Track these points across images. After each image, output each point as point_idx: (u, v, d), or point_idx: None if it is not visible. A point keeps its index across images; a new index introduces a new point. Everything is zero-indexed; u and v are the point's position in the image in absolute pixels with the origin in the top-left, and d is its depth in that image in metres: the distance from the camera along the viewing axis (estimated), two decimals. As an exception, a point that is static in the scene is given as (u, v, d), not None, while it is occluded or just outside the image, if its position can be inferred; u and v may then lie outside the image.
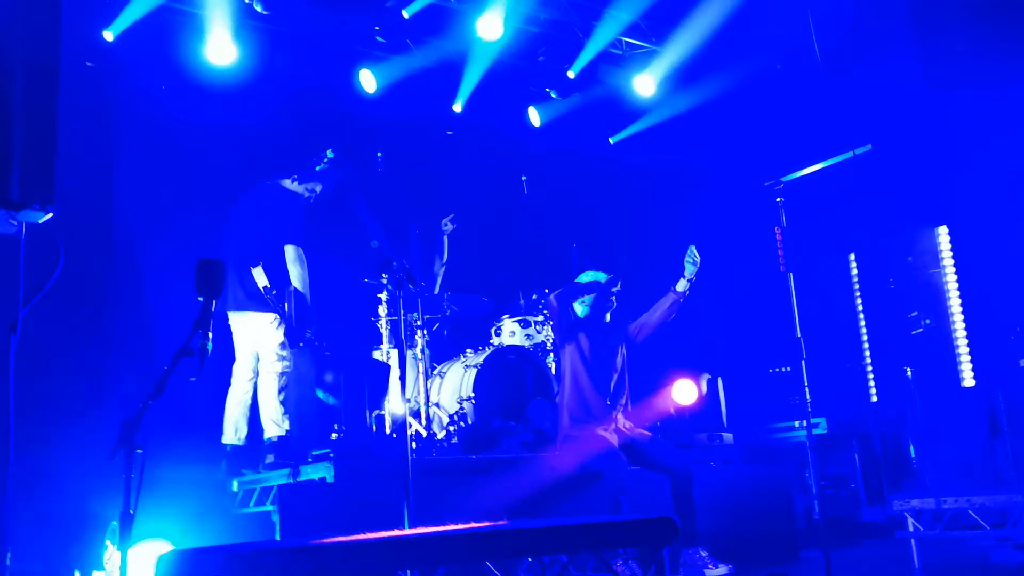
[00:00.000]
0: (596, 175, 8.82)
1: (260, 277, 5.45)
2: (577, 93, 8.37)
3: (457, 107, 8.00)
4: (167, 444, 4.30)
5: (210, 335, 2.73)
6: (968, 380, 6.98)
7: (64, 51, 2.65)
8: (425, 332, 6.54)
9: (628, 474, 4.96)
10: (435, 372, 6.78)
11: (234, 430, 5.56)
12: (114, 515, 2.56)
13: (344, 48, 7.42)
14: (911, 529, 4.85)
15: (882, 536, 6.61)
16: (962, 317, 7.08)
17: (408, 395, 6.28)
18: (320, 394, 6.20)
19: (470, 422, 6.22)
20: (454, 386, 6.49)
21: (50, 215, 2.57)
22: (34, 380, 3.05)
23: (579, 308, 5.38)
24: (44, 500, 4.58)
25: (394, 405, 6.21)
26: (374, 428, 6.21)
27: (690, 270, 5.18)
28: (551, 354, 6.94)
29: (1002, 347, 6.76)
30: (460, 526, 3.23)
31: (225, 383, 5.65)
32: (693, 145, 8.78)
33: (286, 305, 5.48)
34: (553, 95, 8.35)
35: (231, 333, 5.66)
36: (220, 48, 6.66)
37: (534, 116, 8.44)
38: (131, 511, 2.50)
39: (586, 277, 5.42)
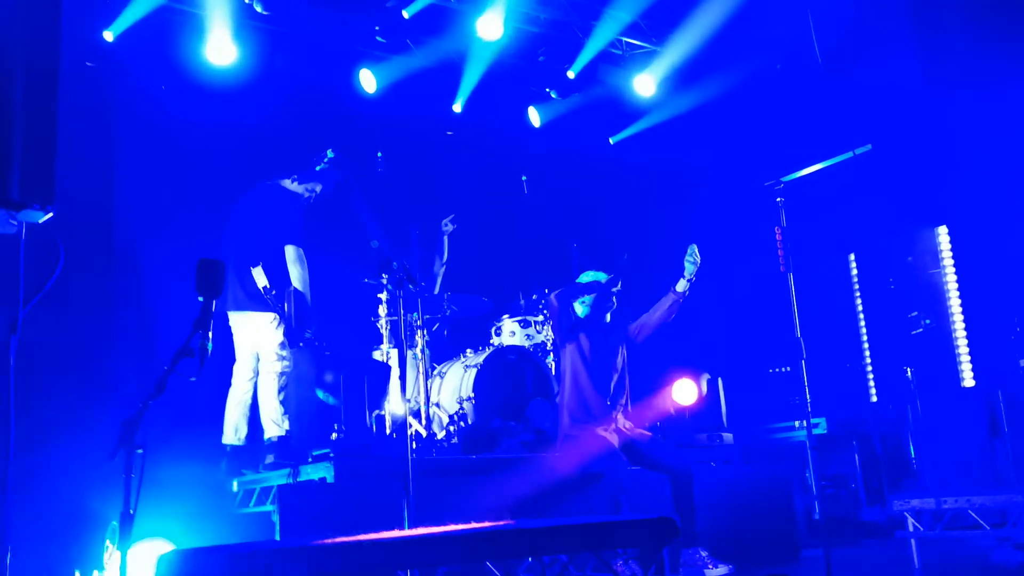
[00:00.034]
0: (596, 175, 8.82)
1: (260, 277, 5.45)
2: (577, 93, 8.37)
3: (457, 107, 8.00)
4: (167, 444, 4.29)
5: (210, 335, 2.73)
6: (968, 380, 6.98)
7: (64, 51, 2.65)
8: (425, 332, 6.54)
9: (628, 474, 4.97)
10: (435, 372, 6.78)
11: (234, 430, 5.56)
12: (114, 515, 2.56)
13: (344, 48, 7.42)
14: (911, 529, 4.85)
15: (882, 536, 6.62)
16: (962, 317, 7.08)
17: (408, 395, 6.28)
18: (320, 394, 6.20)
19: (470, 422, 6.22)
20: (454, 386, 6.49)
21: (50, 215, 2.57)
22: (34, 380, 3.05)
23: (579, 308, 5.38)
24: (44, 500, 4.58)
25: (394, 405, 6.21)
26: (374, 428, 6.21)
27: (690, 269, 5.18)
28: (551, 354, 6.94)
29: (1002, 347, 6.76)
30: (460, 526, 3.23)
31: (225, 383, 5.65)
32: (693, 145, 8.78)
33: (286, 305, 5.48)
34: (553, 95, 8.35)
35: (231, 333, 5.66)
36: (220, 48, 6.66)
37: (534, 116, 8.44)
38: (131, 511, 2.50)
39: (586, 277, 5.42)
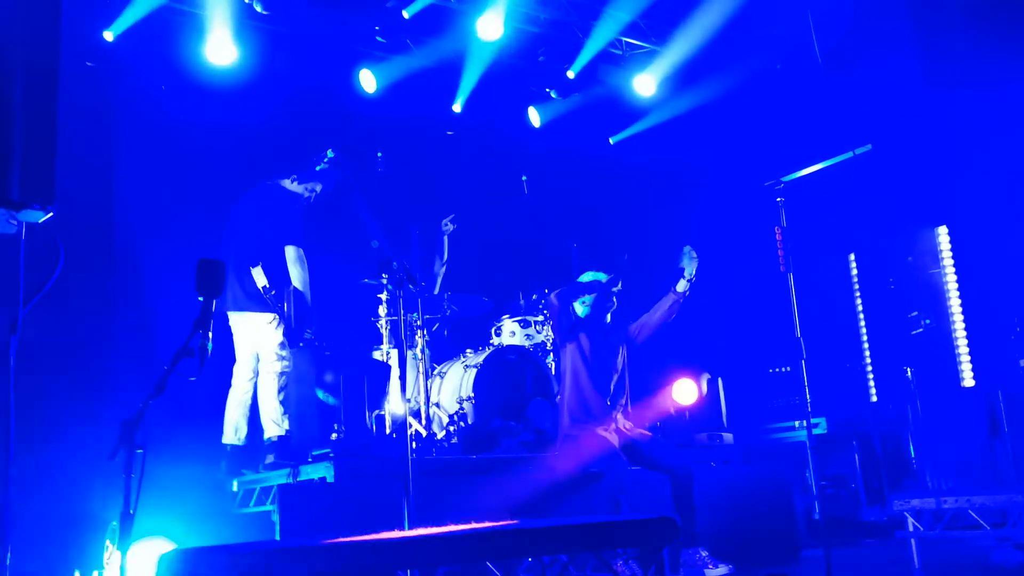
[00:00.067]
0: (596, 175, 8.81)
1: (259, 277, 5.45)
2: (577, 93, 8.37)
3: (457, 107, 8.00)
4: (167, 444, 4.29)
5: (210, 335, 2.73)
6: (968, 380, 6.98)
7: (64, 51, 2.66)
8: (425, 332, 6.54)
9: (628, 474, 4.96)
10: (435, 372, 6.78)
11: (234, 430, 5.56)
12: (114, 515, 2.56)
13: (344, 48, 7.42)
14: (911, 529, 4.85)
15: (882, 536, 6.62)
16: (962, 317, 7.08)
17: (408, 395, 6.28)
18: (320, 394, 6.20)
19: (470, 422, 6.22)
20: (454, 386, 6.49)
21: (50, 215, 2.57)
22: (34, 380, 3.05)
23: (579, 308, 5.38)
24: (44, 500, 4.58)
25: (394, 405, 6.21)
26: (374, 428, 6.21)
27: (690, 269, 5.17)
28: (551, 354, 6.94)
29: (1002, 347, 6.76)
30: (460, 526, 3.23)
31: (225, 383, 5.65)
32: (693, 145, 8.78)
33: (285, 305, 5.48)
34: (553, 95, 8.35)
35: (231, 333, 5.66)
36: (220, 48, 6.66)
37: (534, 116, 8.44)
38: (131, 511, 2.50)
39: (587, 277, 5.42)
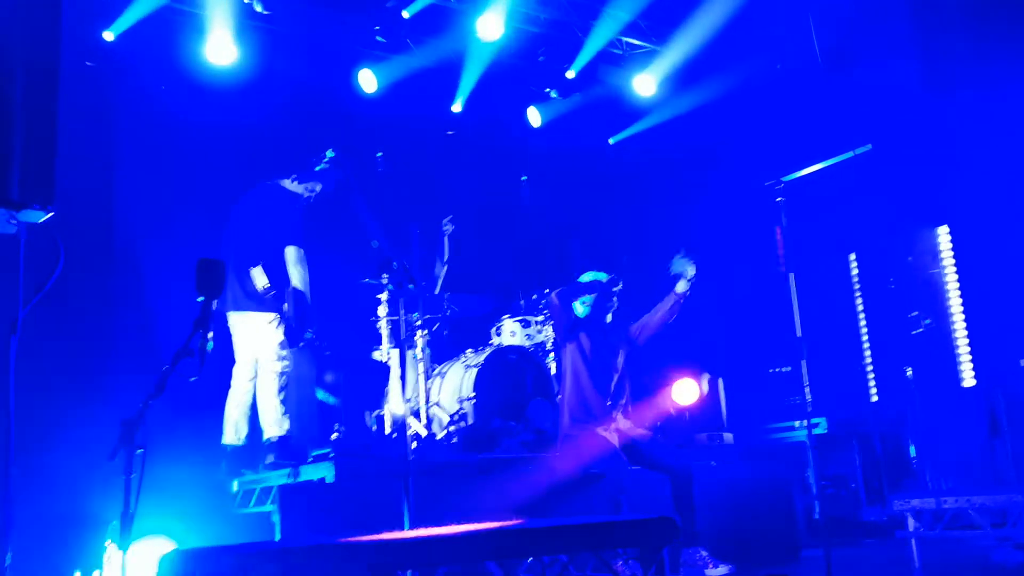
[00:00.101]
0: (596, 175, 8.82)
1: (259, 277, 5.45)
2: (577, 93, 8.37)
3: (457, 107, 8.00)
4: (167, 444, 4.29)
5: (210, 335, 2.73)
6: (968, 380, 6.98)
7: (64, 51, 2.66)
8: (425, 332, 6.54)
9: (628, 474, 4.96)
10: (435, 372, 6.77)
11: (234, 430, 5.55)
12: (114, 515, 2.56)
13: (344, 48, 7.42)
14: (911, 529, 4.85)
15: (882, 536, 6.61)
16: (962, 317, 7.08)
17: (408, 395, 6.28)
18: (320, 394, 6.20)
19: (470, 422, 6.22)
20: (454, 386, 6.49)
21: (50, 215, 2.57)
22: (34, 380, 3.05)
23: (580, 308, 5.37)
24: (44, 500, 4.58)
25: (394, 405, 6.21)
26: (374, 428, 6.21)
27: (686, 273, 5.17)
28: (551, 354, 6.94)
29: (1002, 347, 6.76)
30: (460, 526, 3.23)
31: (225, 383, 5.64)
32: (693, 145, 8.78)
33: (285, 305, 5.47)
34: (553, 95, 8.35)
35: (231, 333, 5.66)
36: (220, 48, 6.66)
37: (534, 116, 8.44)
38: (131, 511, 2.50)
39: (587, 277, 5.42)
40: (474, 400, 6.27)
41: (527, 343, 6.97)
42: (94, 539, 4.25)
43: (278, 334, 5.50)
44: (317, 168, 5.82)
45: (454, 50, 7.60)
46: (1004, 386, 6.58)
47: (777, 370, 8.03)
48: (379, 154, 6.54)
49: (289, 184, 5.78)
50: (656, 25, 8.01)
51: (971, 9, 6.73)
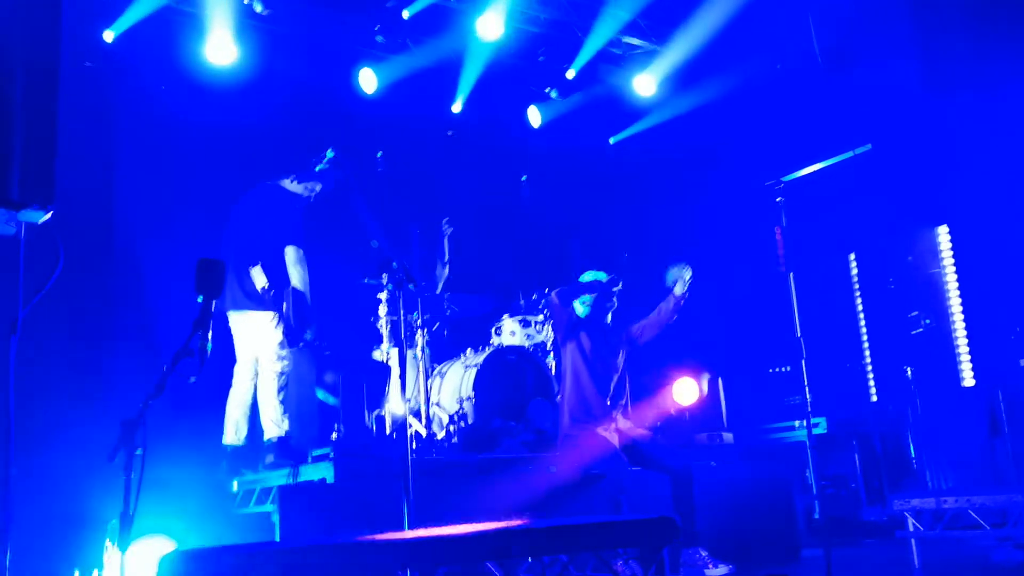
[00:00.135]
0: (596, 175, 8.81)
1: (259, 277, 5.45)
2: (577, 93, 8.36)
3: (457, 107, 8.00)
4: (167, 444, 4.29)
5: (210, 335, 2.73)
6: (968, 380, 6.98)
7: (64, 51, 2.66)
8: (425, 332, 6.53)
9: (628, 474, 4.97)
10: (435, 372, 6.77)
11: (235, 430, 5.55)
12: (114, 515, 2.56)
13: (344, 48, 7.42)
14: (911, 529, 4.85)
15: (882, 536, 6.61)
16: (962, 317, 7.08)
17: (408, 395, 6.28)
18: (320, 394, 6.20)
19: (470, 422, 6.22)
20: (454, 386, 6.49)
21: (50, 215, 2.57)
22: (34, 380, 3.05)
23: (580, 308, 5.38)
24: (44, 500, 4.58)
25: (394, 405, 6.21)
26: (374, 428, 6.21)
27: (681, 283, 5.19)
28: (551, 354, 6.94)
29: (1002, 347, 6.76)
30: (460, 526, 3.23)
31: (225, 383, 5.64)
32: (693, 145, 8.78)
33: (284, 304, 5.47)
34: (553, 95, 8.35)
35: (231, 333, 5.66)
36: (220, 48, 6.66)
37: (534, 116, 8.44)
38: (131, 511, 2.50)
39: (587, 277, 5.42)
40: (474, 400, 6.27)
41: (527, 343, 6.97)
42: (94, 539, 4.25)
43: (277, 334, 5.50)
44: (317, 168, 5.82)
45: (454, 50, 7.60)
46: (1004, 386, 6.58)
47: (777, 370, 8.03)
48: (379, 154, 6.53)
49: (289, 184, 5.78)
50: (656, 25, 8.01)
51: (971, 9, 6.74)
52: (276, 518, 4.50)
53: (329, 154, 5.82)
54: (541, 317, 7.12)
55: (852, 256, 7.94)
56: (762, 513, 5.84)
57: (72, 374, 5.36)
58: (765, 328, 7.63)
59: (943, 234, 7.20)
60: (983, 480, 6.48)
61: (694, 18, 7.59)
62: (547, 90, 8.33)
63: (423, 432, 5.86)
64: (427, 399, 6.33)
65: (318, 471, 4.99)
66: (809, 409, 4.67)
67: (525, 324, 7.11)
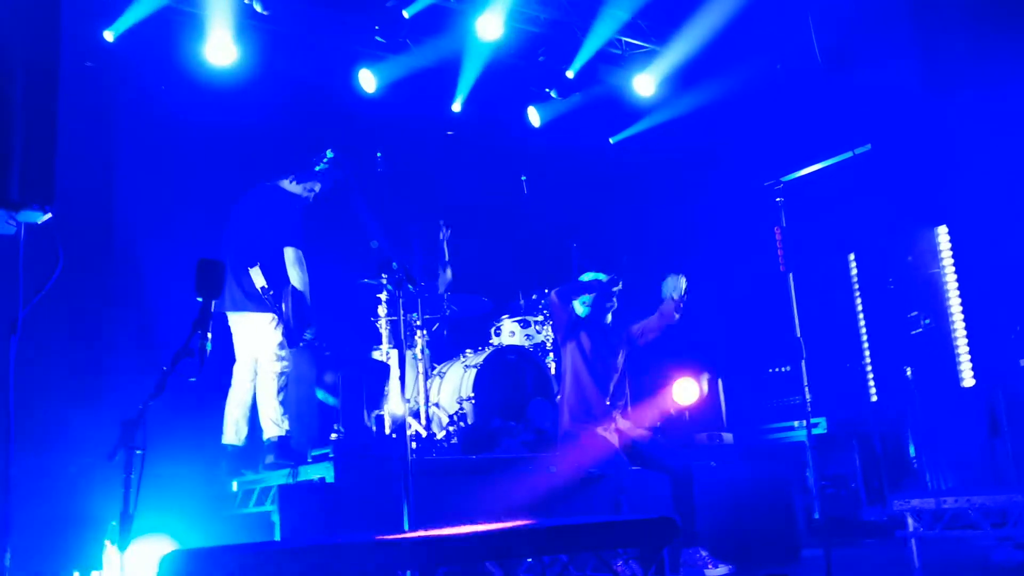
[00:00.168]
0: (596, 175, 8.81)
1: (257, 277, 5.45)
2: (577, 93, 8.36)
3: (457, 107, 8.00)
4: (167, 444, 4.29)
5: (209, 335, 2.73)
6: (968, 380, 6.98)
7: (64, 51, 2.66)
8: (425, 332, 6.53)
9: (628, 474, 4.97)
10: (435, 372, 6.77)
11: (235, 430, 5.55)
12: (114, 515, 2.56)
13: (344, 48, 7.42)
14: (911, 529, 4.85)
15: (882, 536, 6.61)
16: (962, 317, 7.08)
17: (408, 395, 6.28)
18: (320, 394, 6.19)
19: (470, 422, 6.22)
20: (454, 386, 6.49)
21: (49, 215, 2.57)
22: (34, 380, 3.05)
23: (579, 308, 5.37)
24: (44, 500, 4.58)
25: (394, 405, 6.21)
26: (374, 428, 6.21)
27: (681, 285, 5.18)
28: (551, 354, 6.94)
29: (1002, 347, 6.75)
30: (460, 527, 3.23)
31: (225, 383, 5.64)
32: (693, 145, 8.78)
33: (283, 305, 5.47)
34: (553, 95, 8.34)
35: (231, 334, 5.65)
36: (220, 48, 6.66)
37: (534, 116, 8.44)
38: (131, 511, 2.50)
39: (587, 277, 5.42)
40: (474, 400, 6.27)
41: (527, 343, 6.97)
42: (94, 539, 4.25)
43: (277, 334, 5.50)
44: (316, 168, 5.81)
45: (454, 50, 7.60)
46: (1004, 386, 6.58)
47: (777, 370, 8.03)
48: (379, 154, 6.53)
49: (288, 185, 5.78)
50: (656, 25, 8.01)
51: (971, 9, 6.73)
52: (276, 518, 4.51)
53: (329, 154, 5.82)
54: (541, 317, 7.12)
55: (852, 256, 7.93)
56: (762, 513, 5.84)
57: (72, 374, 5.36)
58: (765, 328, 7.63)
59: (943, 234, 7.20)
60: (983, 480, 6.47)
61: (694, 18, 7.60)
62: (547, 90, 8.32)
63: (423, 432, 5.86)
64: (427, 399, 6.33)
65: (318, 471, 4.99)
66: (809, 409, 4.67)
67: (525, 324, 7.11)
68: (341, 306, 6.83)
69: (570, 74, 8.07)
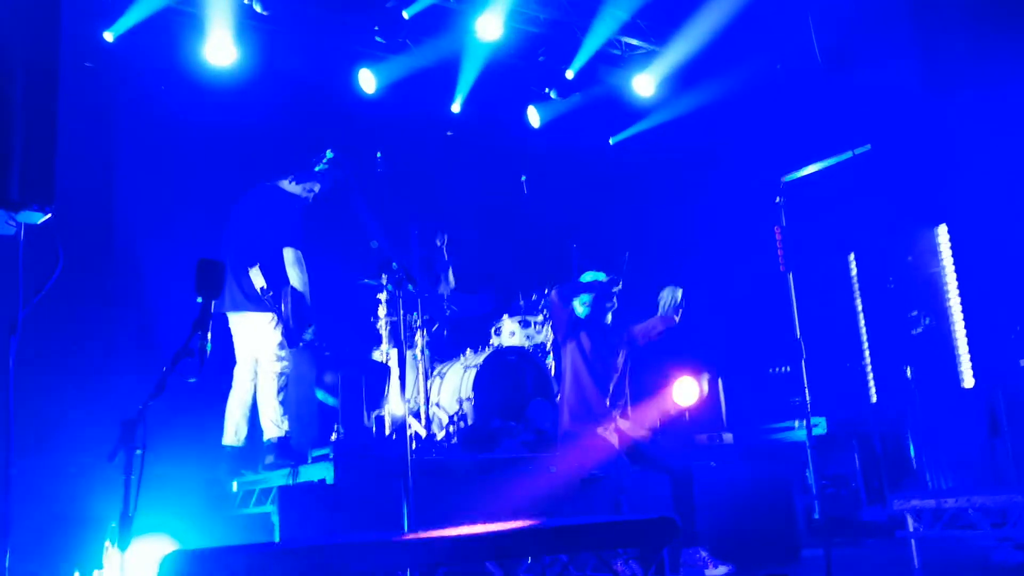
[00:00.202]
0: (596, 175, 8.81)
1: (257, 278, 5.44)
2: (577, 93, 8.36)
3: (456, 107, 8.00)
4: (167, 444, 4.29)
5: (209, 335, 2.73)
6: (968, 380, 6.98)
7: (64, 51, 2.66)
8: (425, 332, 6.53)
9: (628, 474, 4.96)
10: (435, 372, 6.77)
11: (235, 431, 5.55)
12: (114, 515, 2.56)
13: (344, 48, 7.42)
14: (911, 529, 4.85)
15: (882, 536, 6.61)
16: (962, 317, 7.08)
17: (408, 395, 6.28)
18: (320, 394, 6.20)
19: (470, 422, 6.22)
20: (454, 386, 6.49)
21: (49, 215, 2.57)
22: (34, 380, 3.05)
23: (579, 308, 5.37)
24: (44, 500, 4.58)
25: (394, 405, 6.21)
26: (374, 428, 6.21)
27: (678, 296, 5.19)
28: (551, 354, 6.94)
29: (1002, 347, 6.76)
30: (460, 527, 3.24)
31: (225, 383, 5.64)
32: (693, 145, 8.78)
33: (283, 305, 5.47)
34: (553, 95, 8.34)
35: (232, 334, 5.65)
36: (220, 48, 6.66)
37: (534, 116, 8.44)
38: (131, 512, 2.50)
39: (587, 277, 5.42)
40: (474, 400, 6.27)
41: (527, 343, 6.97)
42: (94, 539, 4.25)
43: (276, 335, 5.50)
44: (316, 168, 5.81)
45: (453, 50, 7.60)
46: (1004, 386, 6.58)
47: (777, 370, 8.03)
48: (378, 154, 6.53)
49: (287, 185, 5.78)
50: (655, 25, 8.01)
51: (971, 9, 6.74)
52: (276, 518, 4.51)
53: (328, 154, 5.82)
54: (541, 317, 7.11)
55: (852, 256, 7.93)
56: (762, 513, 5.83)
57: (72, 374, 5.37)
58: (765, 328, 7.63)
59: (943, 234, 7.20)
60: (983, 480, 6.47)
61: (694, 18, 7.59)
62: (547, 90, 8.32)
63: (423, 432, 5.85)
64: (427, 399, 6.33)
65: (318, 471, 4.99)
66: (809, 409, 4.67)
67: (525, 324, 7.11)
68: (341, 306, 6.83)
69: (570, 74, 8.07)
